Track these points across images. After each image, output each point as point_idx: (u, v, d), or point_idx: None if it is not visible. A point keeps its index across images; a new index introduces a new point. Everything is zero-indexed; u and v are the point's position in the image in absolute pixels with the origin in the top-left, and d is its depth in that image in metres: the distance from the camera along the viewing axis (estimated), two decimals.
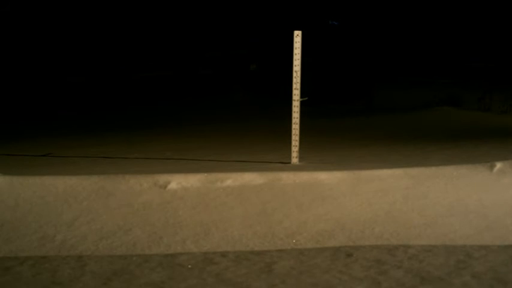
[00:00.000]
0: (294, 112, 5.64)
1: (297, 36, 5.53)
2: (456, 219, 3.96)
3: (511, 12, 19.26)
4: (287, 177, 4.85)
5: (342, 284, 2.93)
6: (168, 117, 12.40)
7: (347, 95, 14.28)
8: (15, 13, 16.95)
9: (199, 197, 4.47)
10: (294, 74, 5.59)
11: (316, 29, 16.68)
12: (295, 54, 5.56)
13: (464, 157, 5.95)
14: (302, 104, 5.65)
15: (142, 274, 3.09)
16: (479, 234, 3.66)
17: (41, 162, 6.50)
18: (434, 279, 2.96)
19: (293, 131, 5.67)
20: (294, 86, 5.61)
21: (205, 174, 4.81)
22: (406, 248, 3.43)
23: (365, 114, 11.96)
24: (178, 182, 4.71)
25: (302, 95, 5.63)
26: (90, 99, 15.62)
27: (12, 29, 16.87)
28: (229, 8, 18.89)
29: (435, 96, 12.71)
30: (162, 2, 18.89)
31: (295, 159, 5.70)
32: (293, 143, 5.68)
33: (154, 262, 3.27)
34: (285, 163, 5.76)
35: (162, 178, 4.76)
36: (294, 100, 5.63)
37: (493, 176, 4.91)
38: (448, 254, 3.32)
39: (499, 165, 5.05)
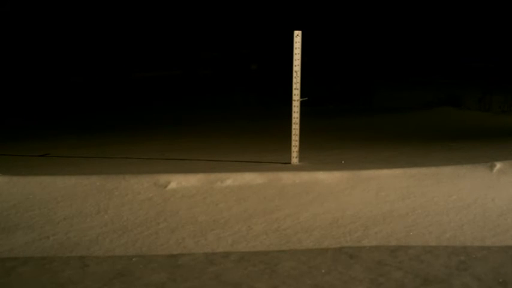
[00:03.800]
0: (294, 112, 5.64)
1: (297, 36, 5.52)
2: (456, 220, 3.95)
3: (511, 12, 19.26)
4: (287, 177, 4.85)
5: (343, 285, 2.92)
6: (168, 117, 12.39)
7: (347, 95, 14.29)
8: (15, 13, 16.94)
9: (200, 197, 4.47)
10: (294, 74, 5.59)
11: (316, 29, 16.67)
12: (295, 54, 5.55)
13: (464, 157, 5.95)
14: (302, 104, 5.65)
15: (143, 275, 3.09)
16: (479, 235, 3.66)
17: (40, 162, 6.50)
18: (435, 280, 2.96)
19: (293, 131, 5.67)
20: (294, 86, 5.61)
21: (206, 174, 4.80)
22: (406, 248, 3.43)
23: (365, 114, 11.97)
24: (178, 181, 4.71)
25: (302, 95, 5.63)
26: (89, 99, 15.61)
27: (11, 28, 16.86)
28: (229, 8, 18.89)
29: (435, 96, 12.72)
30: (162, 2, 18.88)
31: (295, 159, 5.69)
32: (293, 143, 5.68)
33: (155, 263, 3.26)
34: (285, 163, 5.75)
35: (162, 178, 4.76)
36: (294, 100, 5.62)
37: (493, 176, 4.91)
38: (448, 254, 3.32)
39: (499, 165, 5.05)
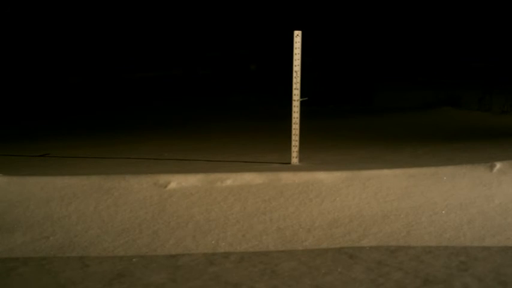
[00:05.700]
0: (294, 112, 5.64)
1: (297, 36, 5.52)
2: (457, 220, 3.95)
3: (511, 12, 19.26)
4: (287, 178, 4.84)
5: (343, 286, 2.92)
6: (168, 117, 12.39)
7: (347, 95, 14.28)
8: (16, 14, 16.94)
9: (200, 197, 4.47)
10: (294, 74, 5.59)
11: (316, 28, 16.67)
12: (295, 54, 5.55)
13: (465, 157, 5.94)
14: (302, 104, 5.65)
15: (143, 276, 3.09)
16: (480, 235, 3.66)
17: (39, 163, 6.49)
18: (435, 281, 2.96)
19: (293, 131, 5.67)
20: (294, 86, 5.61)
21: (206, 174, 4.80)
22: (406, 249, 3.43)
23: (365, 114, 11.96)
24: (178, 182, 4.71)
25: (302, 95, 5.63)
26: (89, 100, 15.62)
27: (13, 30, 16.86)
28: (229, 8, 18.89)
29: (435, 96, 12.70)
30: (162, 2, 18.88)
31: (295, 159, 5.69)
32: (293, 143, 5.68)
33: (155, 263, 3.26)
34: (285, 163, 5.75)
35: (162, 178, 4.75)
36: (294, 100, 5.62)
37: (493, 176, 4.90)
38: (449, 255, 3.32)
39: (499, 165, 5.04)
